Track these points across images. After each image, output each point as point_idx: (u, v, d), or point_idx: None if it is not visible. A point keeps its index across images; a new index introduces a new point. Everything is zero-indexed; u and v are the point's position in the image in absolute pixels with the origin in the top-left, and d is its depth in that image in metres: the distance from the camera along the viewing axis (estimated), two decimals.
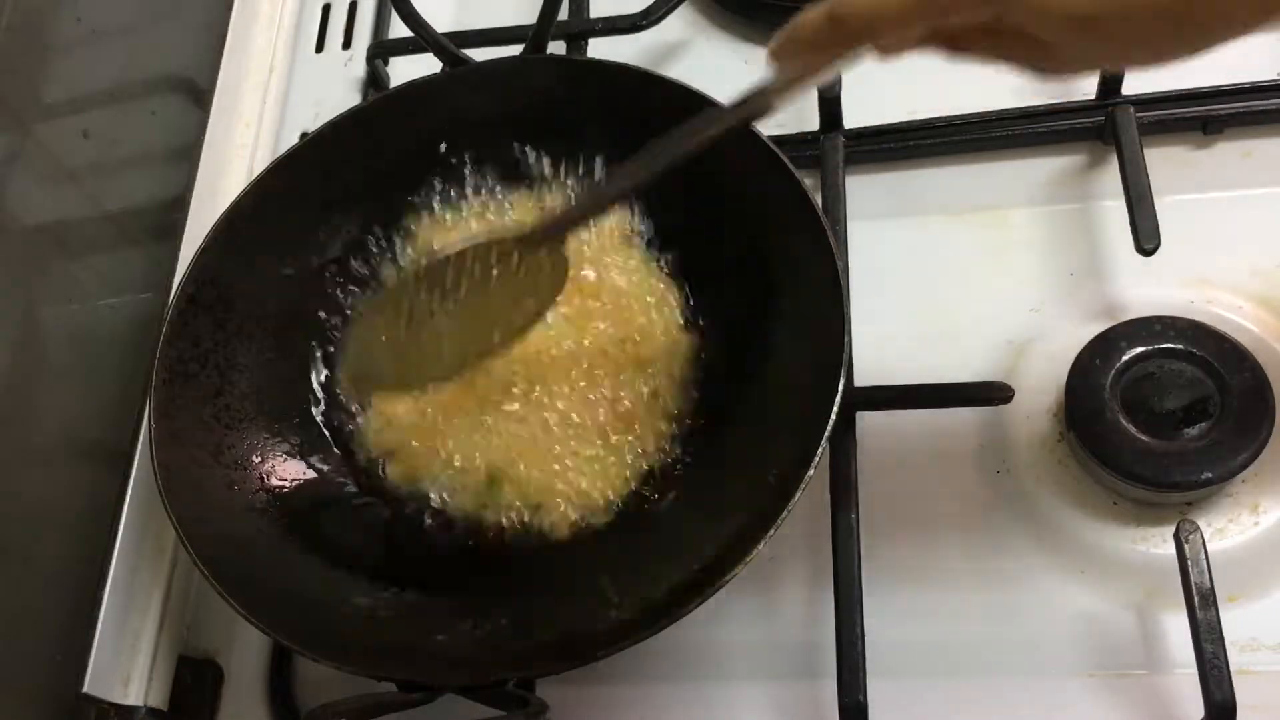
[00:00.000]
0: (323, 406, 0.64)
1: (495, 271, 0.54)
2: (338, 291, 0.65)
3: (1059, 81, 0.56)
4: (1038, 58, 0.42)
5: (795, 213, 0.57)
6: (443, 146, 0.66)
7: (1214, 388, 0.55)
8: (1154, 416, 0.55)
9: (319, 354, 0.64)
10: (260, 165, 0.74)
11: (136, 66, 0.70)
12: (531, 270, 0.55)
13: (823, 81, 0.47)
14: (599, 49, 0.72)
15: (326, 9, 0.82)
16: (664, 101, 0.62)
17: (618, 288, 0.63)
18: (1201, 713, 0.49)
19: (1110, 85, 0.63)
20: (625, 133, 0.63)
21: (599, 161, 0.64)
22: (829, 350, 0.53)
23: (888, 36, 0.41)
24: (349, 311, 0.65)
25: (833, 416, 0.51)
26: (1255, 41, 0.67)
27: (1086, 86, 0.65)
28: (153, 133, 0.71)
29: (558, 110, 0.65)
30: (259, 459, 0.60)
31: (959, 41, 0.43)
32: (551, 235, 0.53)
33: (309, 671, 0.61)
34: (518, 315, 0.57)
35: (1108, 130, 0.63)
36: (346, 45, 0.80)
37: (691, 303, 0.63)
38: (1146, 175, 0.59)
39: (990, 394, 0.56)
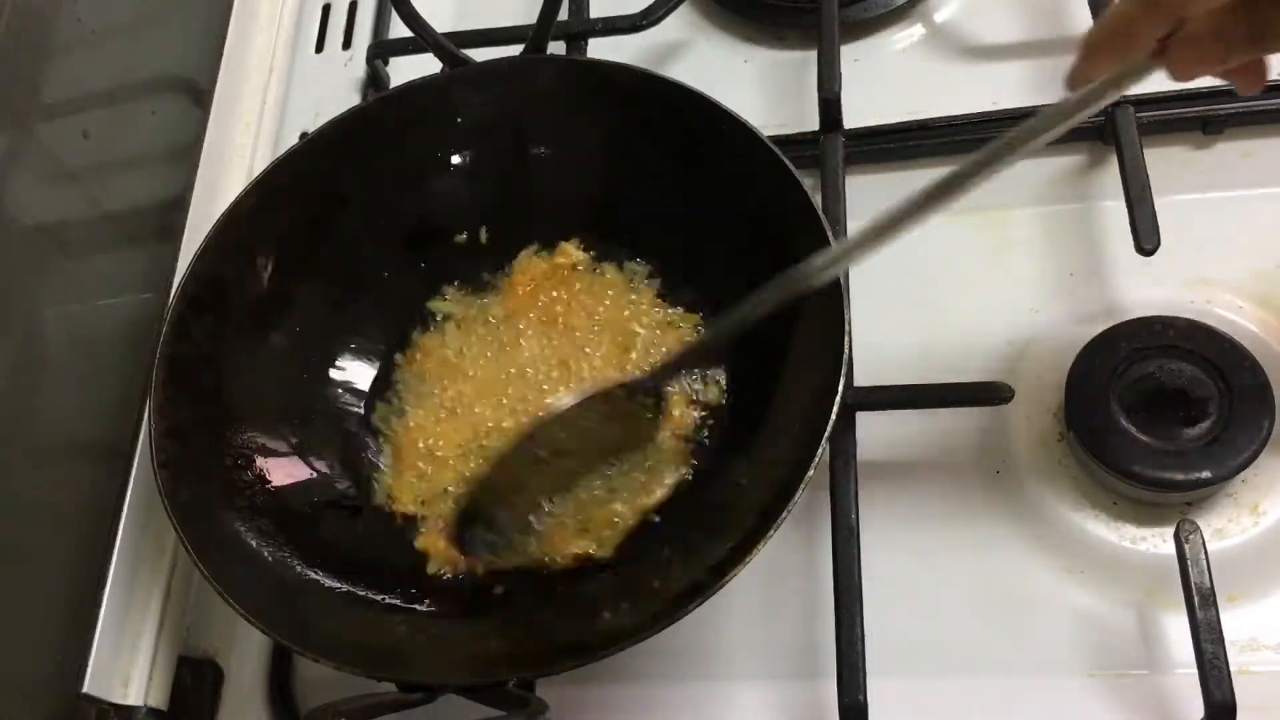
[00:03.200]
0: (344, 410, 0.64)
1: (598, 423, 0.56)
2: (339, 291, 0.66)
3: None
4: None
5: (795, 213, 0.57)
6: (442, 147, 0.66)
7: (1214, 388, 0.55)
8: (1154, 416, 0.55)
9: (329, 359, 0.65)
10: (260, 165, 0.74)
11: (136, 66, 0.70)
12: (630, 416, 0.57)
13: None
14: (599, 49, 0.72)
15: (326, 9, 0.82)
16: (664, 101, 0.62)
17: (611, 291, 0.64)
18: (1201, 713, 0.49)
19: None
20: (625, 133, 0.64)
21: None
22: (829, 350, 0.53)
23: (1204, 4, 0.40)
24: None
25: (833, 416, 0.51)
26: None
27: None
28: (153, 133, 0.71)
29: (558, 110, 0.65)
30: (259, 459, 0.60)
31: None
32: (654, 384, 0.56)
33: (309, 671, 0.61)
34: (620, 456, 0.59)
35: (1108, 130, 0.63)
36: (346, 45, 0.80)
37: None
38: (1146, 175, 0.59)
39: (990, 394, 0.56)
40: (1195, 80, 0.62)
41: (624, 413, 0.56)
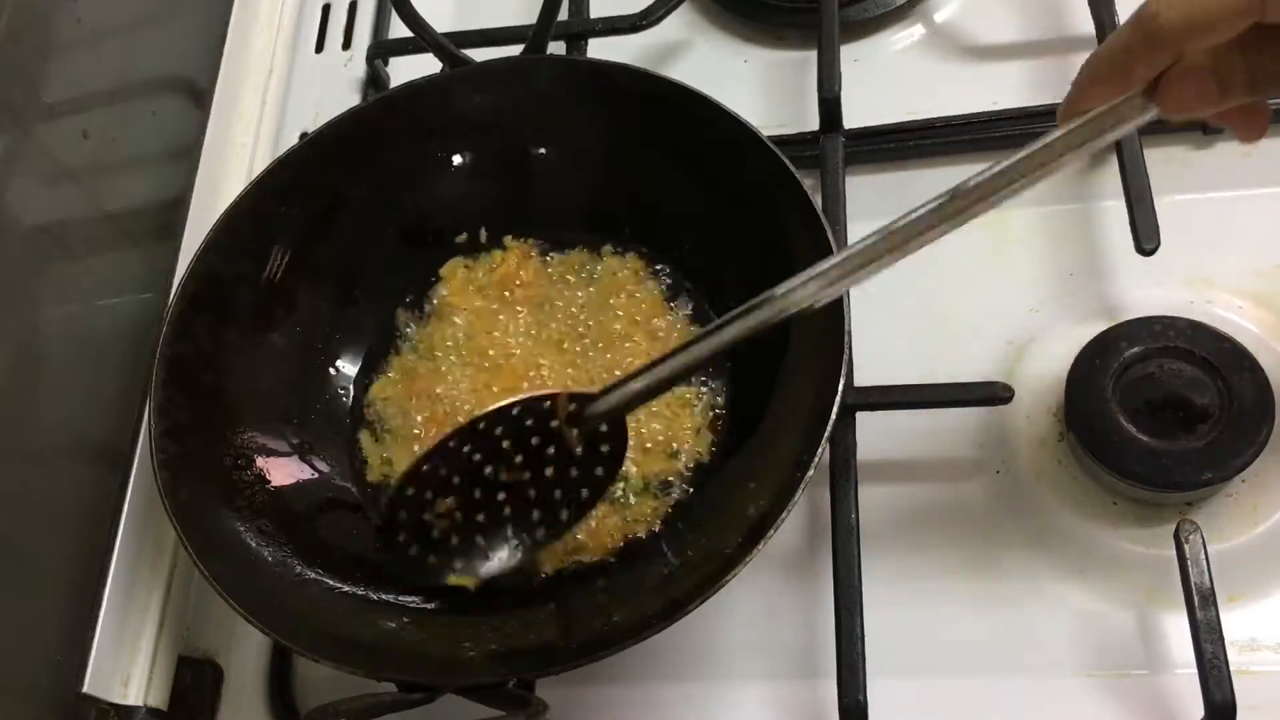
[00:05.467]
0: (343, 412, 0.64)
1: (551, 448, 0.51)
2: (339, 290, 0.65)
3: None
4: None
5: (795, 213, 0.57)
6: (442, 147, 0.66)
7: (1214, 388, 0.55)
8: (1154, 417, 0.55)
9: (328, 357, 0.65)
10: (260, 165, 0.74)
11: (136, 66, 0.70)
12: (588, 445, 0.52)
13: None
14: (599, 49, 0.72)
15: (326, 9, 0.82)
16: (664, 101, 0.62)
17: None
18: (1201, 713, 0.49)
19: None
20: (625, 133, 0.64)
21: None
22: (829, 350, 0.53)
23: (1205, 39, 0.37)
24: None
25: (833, 416, 0.51)
26: None
27: None
28: (153, 133, 0.71)
29: (558, 110, 0.65)
30: (259, 459, 0.60)
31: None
32: (616, 412, 0.51)
33: (309, 671, 0.62)
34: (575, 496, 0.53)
35: None
36: (346, 45, 0.80)
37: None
38: (1146, 175, 0.59)
39: (990, 394, 0.56)
40: None
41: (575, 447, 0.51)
